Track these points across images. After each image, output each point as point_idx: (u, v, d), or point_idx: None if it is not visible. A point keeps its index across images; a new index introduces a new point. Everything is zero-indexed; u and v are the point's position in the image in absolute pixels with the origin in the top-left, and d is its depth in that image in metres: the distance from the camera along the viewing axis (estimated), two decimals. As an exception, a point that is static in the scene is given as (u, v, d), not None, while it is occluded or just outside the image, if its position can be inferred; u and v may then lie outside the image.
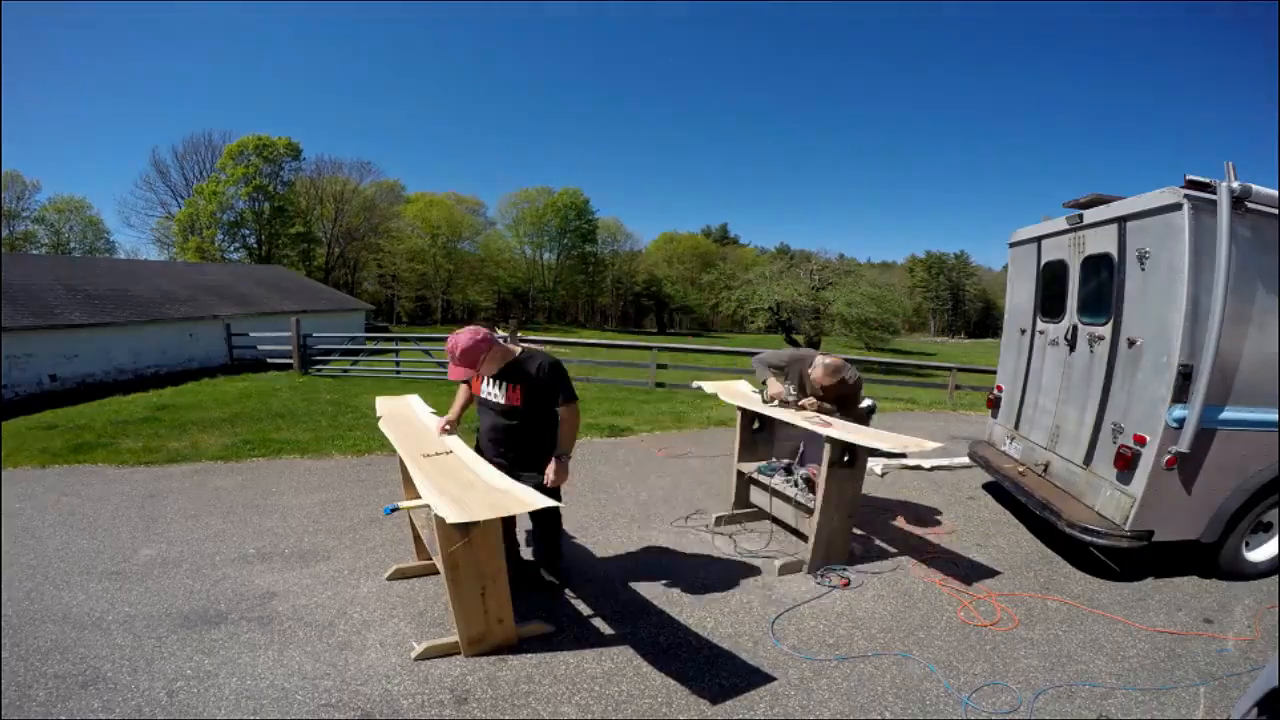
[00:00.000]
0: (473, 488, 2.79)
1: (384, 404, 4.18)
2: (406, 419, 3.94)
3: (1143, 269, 3.75)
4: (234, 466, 6.03)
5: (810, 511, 3.87)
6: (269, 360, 13.80)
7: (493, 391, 3.34)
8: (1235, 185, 3.34)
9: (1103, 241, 4.14)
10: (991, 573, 4.02)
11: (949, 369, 13.03)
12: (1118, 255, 3.96)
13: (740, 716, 2.62)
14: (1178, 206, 3.45)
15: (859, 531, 4.42)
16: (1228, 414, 3.57)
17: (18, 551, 4.01)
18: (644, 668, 2.91)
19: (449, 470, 3.01)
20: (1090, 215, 4.27)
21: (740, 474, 4.66)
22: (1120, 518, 3.74)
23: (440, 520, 2.57)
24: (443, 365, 12.90)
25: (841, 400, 4.40)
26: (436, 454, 3.22)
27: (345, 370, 13.00)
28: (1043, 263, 4.88)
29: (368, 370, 13.21)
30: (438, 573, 3.11)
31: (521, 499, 2.67)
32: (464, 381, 3.49)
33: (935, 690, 2.81)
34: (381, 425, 3.78)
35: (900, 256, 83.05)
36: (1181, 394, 3.46)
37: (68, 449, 6.57)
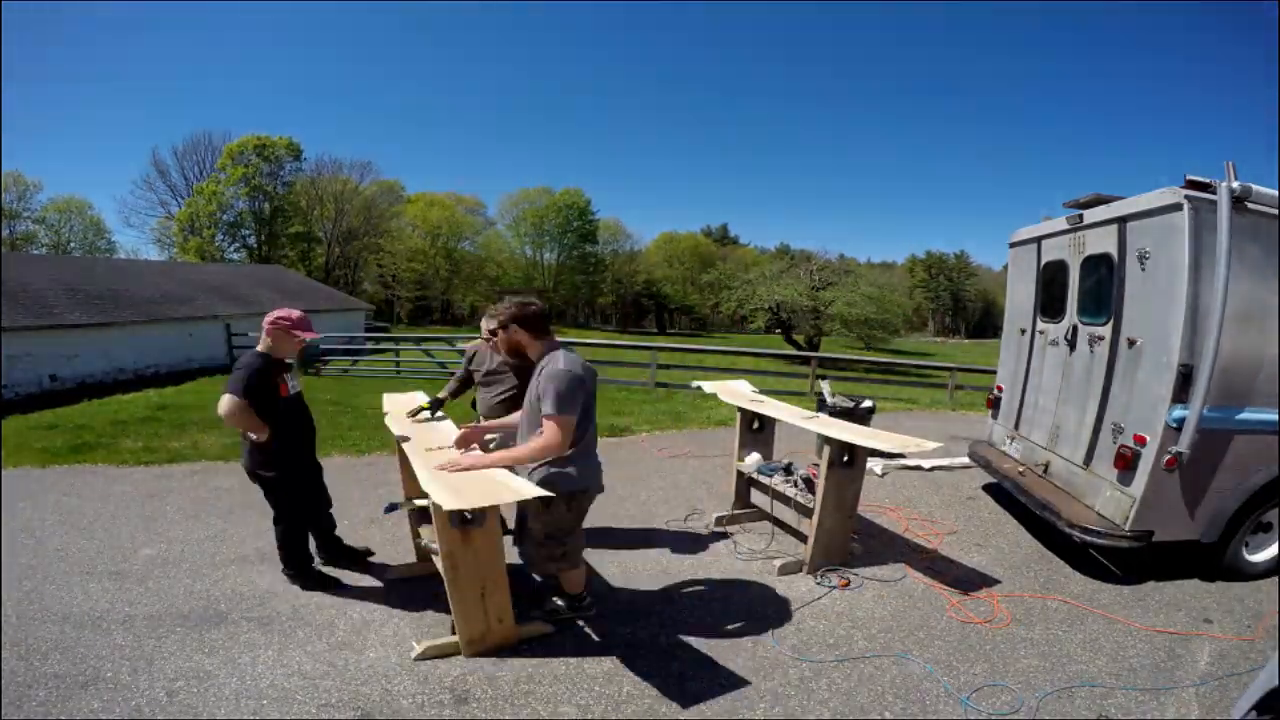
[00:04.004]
0: (471, 478, 2.79)
1: (391, 401, 4.20)
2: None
3: (1143, 269, 3.75)
4: (234, 466, 6.02)
5: (810, 512, 3.87)
6: (269, 360, 13.77)
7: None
8: (1235, 185, 3.33)
9: (1103, 241, 4.14)
10: (991, 573, 4.01)
11: (949, 369, 12.99)
12: (1118, 255, 3.96)
13: (740, 716, 2.62)
14: (1178, 206, 3.44)
15: (856, 534, 4.42)
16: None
17: (18, 551, 4.02)
18: (644, 668, 2.91)
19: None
20: (1090, 215, 4.27)
21: (740, 474, 4.67)
22: (1120, 518, 3.73)
23: (439, 514, 2.57)
24: (443, 365, 12.96)
25: None
26: (440, 448, 3.23)
27: (345, 370, 13.01)
28: (1043, 263, 4.88)
29: (368, 370, 13.22)
30: (438, 573, 3.11)
31: (515, 489, 2.67)
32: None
33: (935, 690, 2.81)
34: (388, 421, 3.80)
35: (900, 256, 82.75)
36: (1181, 394, 3.46)
37: (68, 449, 6.58)
